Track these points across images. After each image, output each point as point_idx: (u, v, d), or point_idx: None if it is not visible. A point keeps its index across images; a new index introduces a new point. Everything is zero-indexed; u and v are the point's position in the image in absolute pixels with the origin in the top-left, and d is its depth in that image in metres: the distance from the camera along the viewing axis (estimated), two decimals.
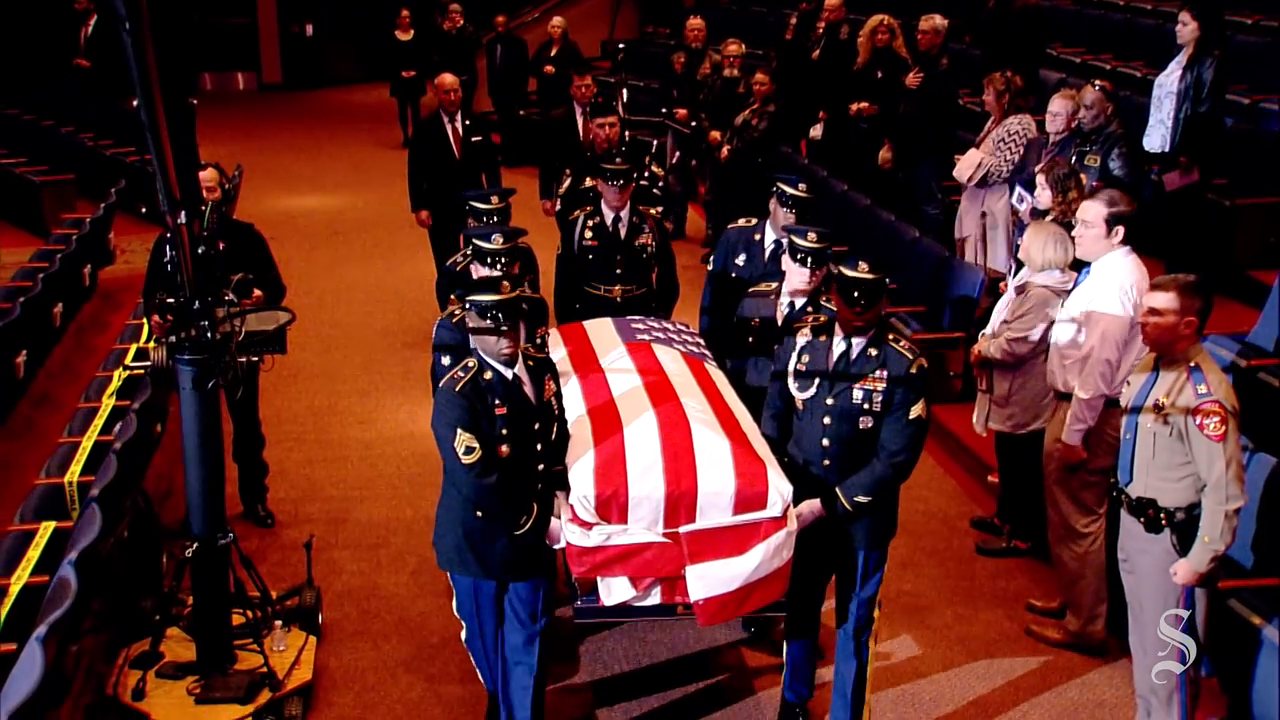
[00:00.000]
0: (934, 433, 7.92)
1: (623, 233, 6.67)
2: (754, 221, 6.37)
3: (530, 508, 4.61)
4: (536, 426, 4.67)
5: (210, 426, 5.23)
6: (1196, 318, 4.66)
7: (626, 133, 8.88)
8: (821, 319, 5.04)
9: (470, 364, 4.60)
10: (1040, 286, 6.04)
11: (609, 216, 6.67)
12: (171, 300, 5.06)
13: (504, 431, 4.55)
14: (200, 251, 4.99)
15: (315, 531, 6.37)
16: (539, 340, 5.38)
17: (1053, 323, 5.86)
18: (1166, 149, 8.20)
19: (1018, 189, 7.59)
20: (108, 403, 6.61)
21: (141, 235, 11.14)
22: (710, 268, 6.50)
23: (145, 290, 6.75)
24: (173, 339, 5.06)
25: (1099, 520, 5.65)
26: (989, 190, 8.69)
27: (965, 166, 8.74)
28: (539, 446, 4.70)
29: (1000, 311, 6.36)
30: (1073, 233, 5.79)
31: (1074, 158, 7.50)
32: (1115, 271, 5.53)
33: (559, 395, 4.92)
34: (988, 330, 6.42)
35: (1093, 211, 5.58)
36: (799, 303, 5.46)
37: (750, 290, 5.76)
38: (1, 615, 4.71)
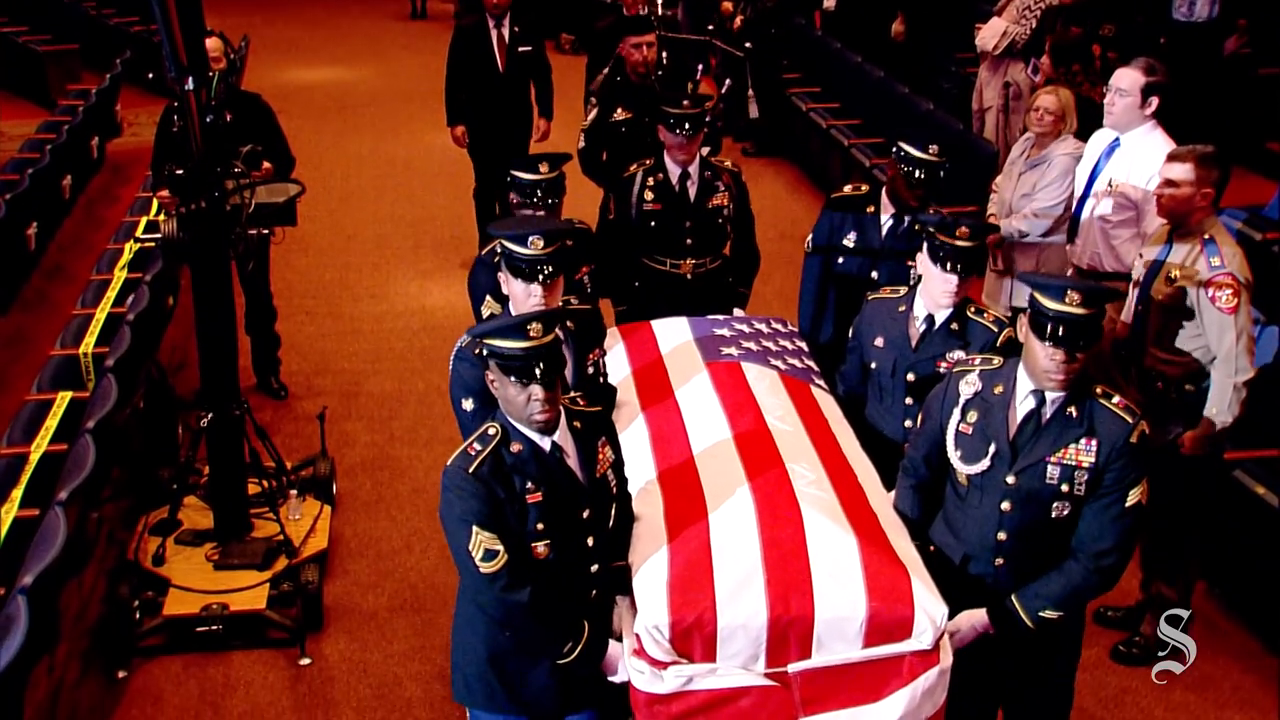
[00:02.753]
0: None
1: (692, 193, 5.45)
2: (865, 189, 5.14)
3: (580, 628, 3.43)
4: (586, 514, 3.45)
5: (222, 298, 5.25)
6: (1213, 189, 4.61)
7: (664, 54, 7.32)
8: (996, 360, 3.72)
9: (491, 431, 3.38)
10: (1063, 155, 5.94)
11: (674, 173, 5.44)
12: (180, 172, 5.04)
13: (540, 526, 3.36)
14: (208, 120, 4.96)
15: (328, 404, 6.42)
16: (592, 365, 4.17)
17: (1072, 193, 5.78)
18: (1214, 15, 7.93)
19: (1032, 60, 7.46)
20: (120, 275, 6.62)
21: (148, 108, 11.06)
22: (807, 249, 5.27)
23: (153, 162, 6.72)
24: (183, 211, 5.05)
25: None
26: (1012, 60, 8.52)
27: (989, 35, 8.55)
28: (590, 541, 3.47)
29: (1014, 185, 6.27)
30: (1104, 101, 5.65)
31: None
32: (1155, 149, 5.40)
33: (619, 463, 3.68)
34: (994, 209, 6.33)
35: (1129, 79, 5.42)
36: (940, 316, 4.22)
37: (871, 296, 4.48)
38: (23, 482, 4.78)
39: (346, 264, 8.92)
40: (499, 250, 3.99)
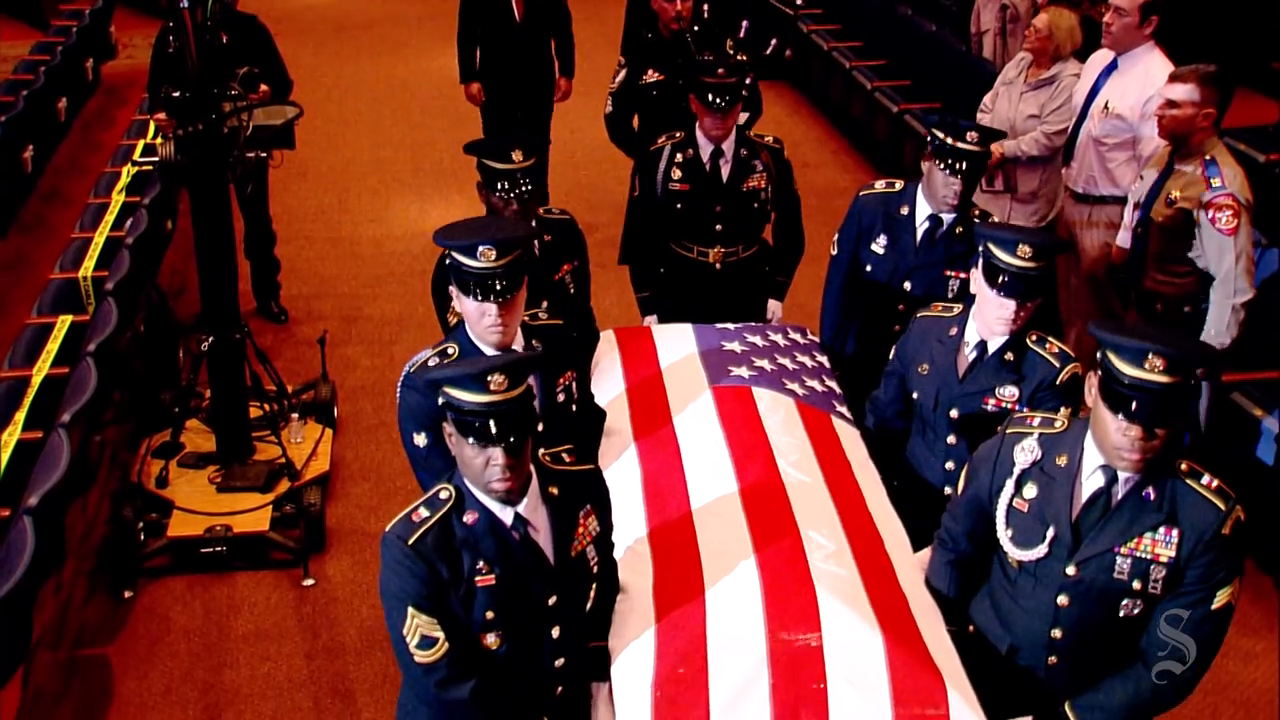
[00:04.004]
0: None
1: (725, 172, 4.86)
2: (898, 185, 4.43)
3: None
4: (552, 602, 2.87)
5: (220, 222, 5.25)
6: (1215, 110, 4.59)
7: (705, 7, 6.51)
8: (1060, 420, 3.11)
9: (444, 494, 2.82)
10: (1072, 76, 5.88)
11: (705, 149, 4.86)
12: (177, 94, 5.01)
13: (490, 615, 2.80)
14: (205, 41, 4.92)
15: (328, 328, 6.42)
16: (563, 391, 3.61)
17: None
18: None
19: None
20: (117, 198, 6.59)
21: (143, 29, 10.94)
22: (834, 250, 4.61)
23: (149, 84, 6.66)
24: (180, 133, 5.03)
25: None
26: None
27: None
28: (555, 632, 2.90)
29: (1015, 105, 6.22)
30: (1103, 20, 5.60)
31: None
32: (1152, 71, 5.36)
33: (604, 536, 3.06)
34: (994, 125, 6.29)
35: None
36: (993, 344, 3.63)
37: (921, 314, 3.88)
38: (25, 405, 4.80)
39: (345, 188, 8.88)
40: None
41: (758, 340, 4.25)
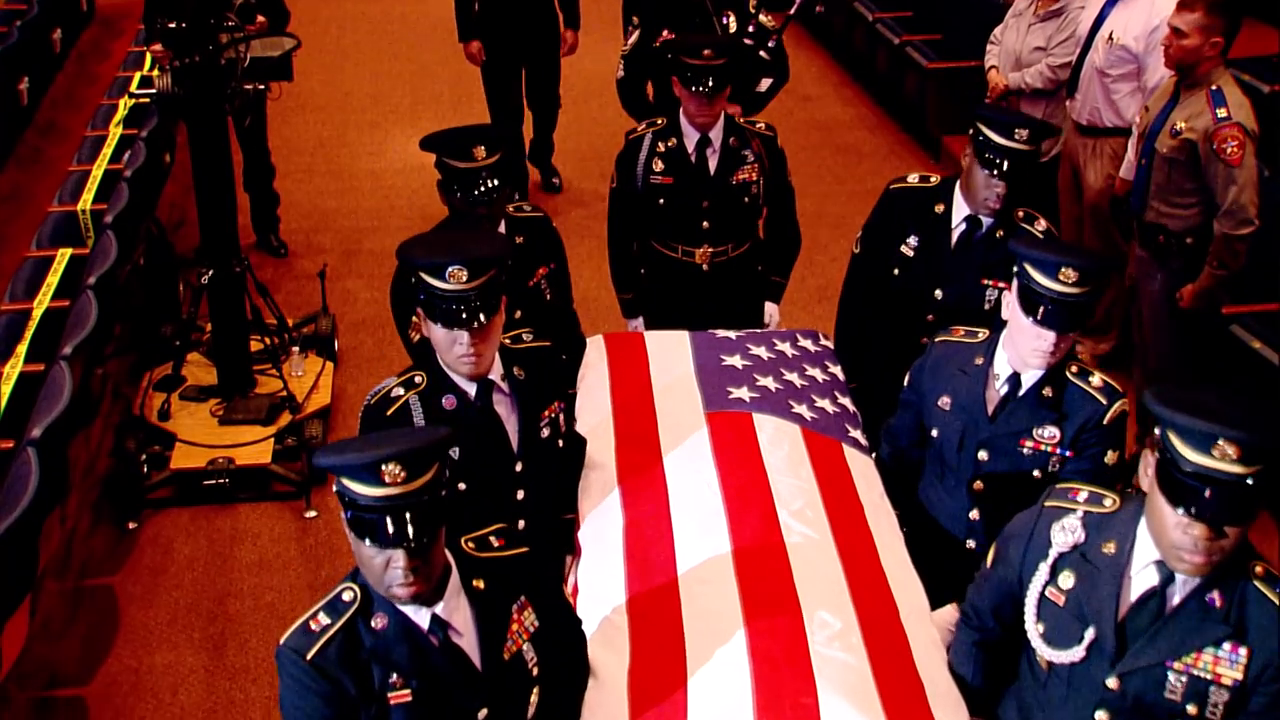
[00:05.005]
0: (946, 162, 7.90)
1: (712, 164, 4.40)
2: (934, 180, 3.98)
3: None
4: (484, 715, 2.45)
5: (219, 154, 5.22)
6: (1222, 39, 4.54)
7: None
8: (1110, 499, 2.60)
9: (347, 596, 2.41)
10: (1079, 8, 5.82)
11: (690, 138, 4.38)
12: (174, 25, 4.96)
13: None
14: None
15: (328, 261, 6.41)
16: (548, 424, 3.20)
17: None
18: None
19: None
20: (115, 131, 6.55)
21: None
22: (856, 249, 4.16)
23: (145, 15, 6.60)
24: (177, 65, 4.99)
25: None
26: None
27: None
28: None
29: (1023, 37, 6.15)
30: None
31: None
32: (1156, 1, 5.29)
33: (543, 633, 2.57)
34: (993, 60, 6.22)
35: None
36: (1028, 377, 3.17)
37: (940, 338, 3.39)
38: (27, 338, 4.81)
39: (344, 121, 8.82)
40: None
41: (762, 352, 3.81)
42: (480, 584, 2.47)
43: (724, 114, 4.37)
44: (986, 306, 3.74)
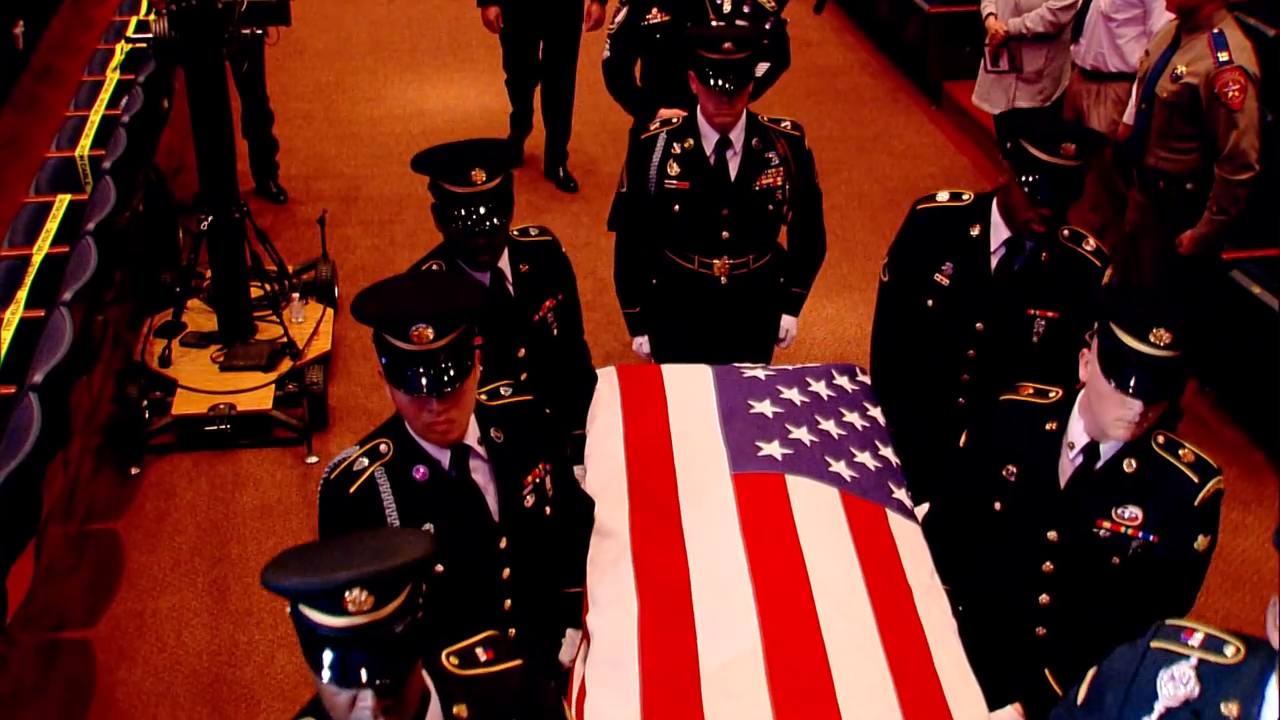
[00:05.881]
0: (947, 108, 7.86)
1: (733, 168, 4.00)
2: (967, 197, 3.53)
3: None
4: None
5: (217, 99, 5.20)
6: None
7: None
8: (1233, 647, 2.16)
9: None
10: None
11: (709, 139, 3.98)
12: None
13: None
14: None
15: (327, 208, 6.39)
16: (533, 490, 2.80)
17: None
18: None
19: None
20: (112, 76, 6.51)
21: None
22: (885, 276, 3.74)
23: None
24: (173, 8, 4.96)
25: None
26: None
27: None
28: None
29: None
30: None
31: None
32: None
33: None
34: (994, 8, 6.17)
35: None
36: (1107, 448, 2.76)
37: (1005, 396, 2.95)
38: (27, 284, 4.81)
39: (343, 67, 8.77)
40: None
41: (794, 395, 3.40)
42: (463, 712, 2.12)
43: (746, 112, 3.96)
44: (1035, 339, 3.41)
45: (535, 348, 3.46)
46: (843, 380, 3.56)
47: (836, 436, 3.29)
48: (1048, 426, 2.83)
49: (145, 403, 5.09)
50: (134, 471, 4.98)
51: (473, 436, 2.68)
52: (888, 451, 3.35)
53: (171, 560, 4.60)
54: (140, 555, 4.61)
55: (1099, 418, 2.70)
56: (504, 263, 3.37)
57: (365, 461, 2.65)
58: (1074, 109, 5.69)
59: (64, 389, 4.24)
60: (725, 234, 4.04)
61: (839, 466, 3.19)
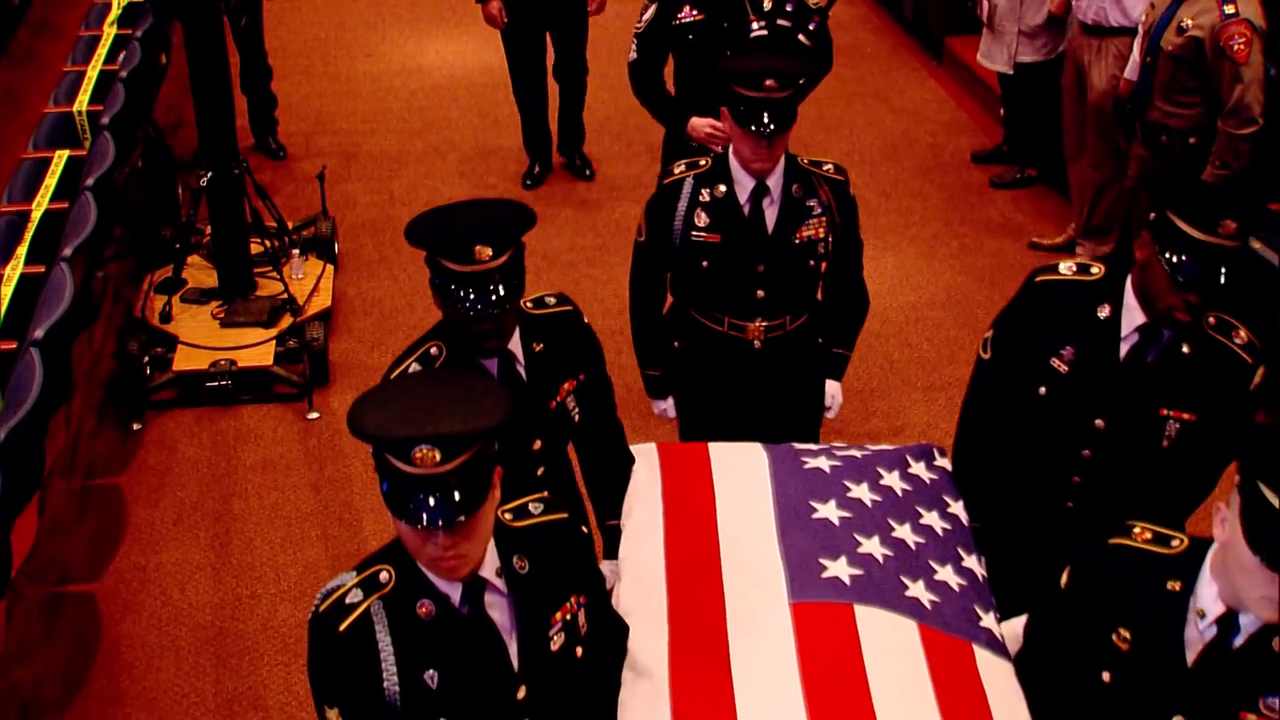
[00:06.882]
0: (948, 63, 7.82)
1: (770, 218, 3.49)
2: (1096, 271, 2.96)
3: None
4: None
5: (215, 54, 5.17)
6: None
7: None
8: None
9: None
10: None
11: (743, 186, 3.47)
12: None
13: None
14: None
15: (327, 164, 6.36)
16: (562, 627, 2.35)
17: None
18: None
19: None
20: (109, 31, 6.47)
21: None
22: (984, 352, 3.16)
23: None
24: None
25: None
26: None
27: None
28: None
29: None
30: None
31: None
32: None
33: None
34: None
35: None
36: (1248, 621, 2.20)
37: (1115, 540, 2.39)
38: (27, 239, 4.80)
39: (341, 22, 8.72)
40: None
41: (864, 493, 2.92)
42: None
43: (785, 155, 3.47)
44: (1165, 444, 2.90)
45: (553, 439, 2.98)
46: (919, 468, 3.07)
47: (914, 547, 2.81)
48: (1170, 586, 2.28)
49: (146, 359, 5.09)
50: (136, 427, 4.99)
51: (490, 567, 2.24)
52: (972, 561, 2.86)
53: (174, 515, 4.61)
54: (143, 510, 4.63)
55: (1241, 593, 2.16)
56: (515, 343, 2.86)
57: (360, 594, 2.22)
58: (1074, 63, 5.65)
59: (65, 345, 4.25)
60: (760, 293, 3.54)
61: (917, 589, 2.70)
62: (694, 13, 4.44)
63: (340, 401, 5.16)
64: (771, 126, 3.29)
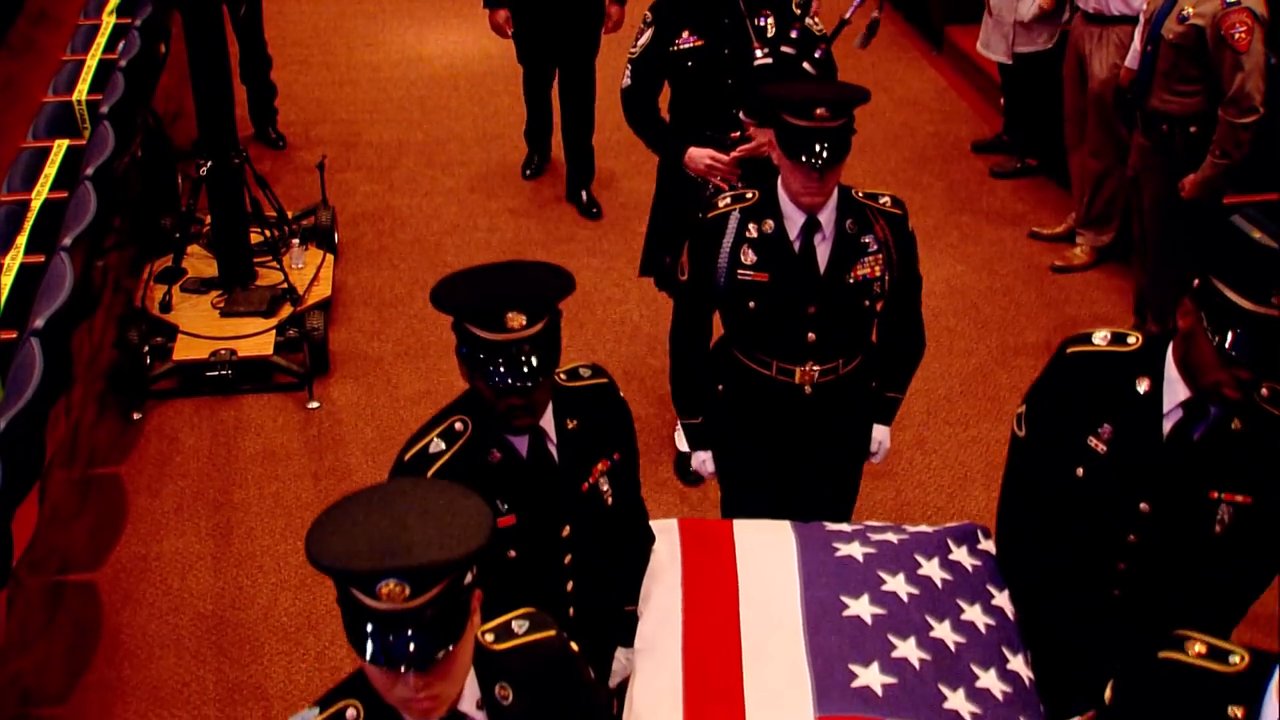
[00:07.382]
0: (948, 52, 7.81)
1: (823, 256, 3.27)
2: (1134, 341, 2.71)
3: None
4: None
5: (215, 43, 5.16)
6: None
7: None
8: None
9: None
10: None
11: (794, 222, 3.25)
12: None
13: None
14: None
15: (327, 153, 6.36)
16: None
17: None
18: None
19: None
20: (108, 20, 6.46)
21: None
22: (1019, 429, 2.89)
23: None
24: None
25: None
26: None
27: None
28: None
29: None
30: None
31: None
32: None
33: None
34: None
35: None
36: None
37: (1165, 654, 2.13)
38: (26, 229, 4.79)
39: (340, 11, 8.72)
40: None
41: (899, 585, 2.71)
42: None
43: (838, 188, 3.25)
44: (1217, 529, 2.65)
45: (583, 525, 2.69)
46: (960, 554, 2.83)
47: (953, 648, 2.57)
48: (1232, 713, 1.99)
49: (146, 348, 5.09)
50: (136, 416, 5.00)
51: (470, 700, 2.00)
52: (1018, 663, 2.62)
53: (174, 504, 4.62)
54: (143, 499, 4.64)
55: None
56: (547, 418, 2.62)
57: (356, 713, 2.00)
58: (1075, 52, 5.65)
59: (65, 334, 4.25)
60: (811, 336, 3.31)
61: (956, 700, 2.47)
62: (693, 38, 4.22)
63: (340, 391, 5.16)
64: (824, 157, 3.08)
